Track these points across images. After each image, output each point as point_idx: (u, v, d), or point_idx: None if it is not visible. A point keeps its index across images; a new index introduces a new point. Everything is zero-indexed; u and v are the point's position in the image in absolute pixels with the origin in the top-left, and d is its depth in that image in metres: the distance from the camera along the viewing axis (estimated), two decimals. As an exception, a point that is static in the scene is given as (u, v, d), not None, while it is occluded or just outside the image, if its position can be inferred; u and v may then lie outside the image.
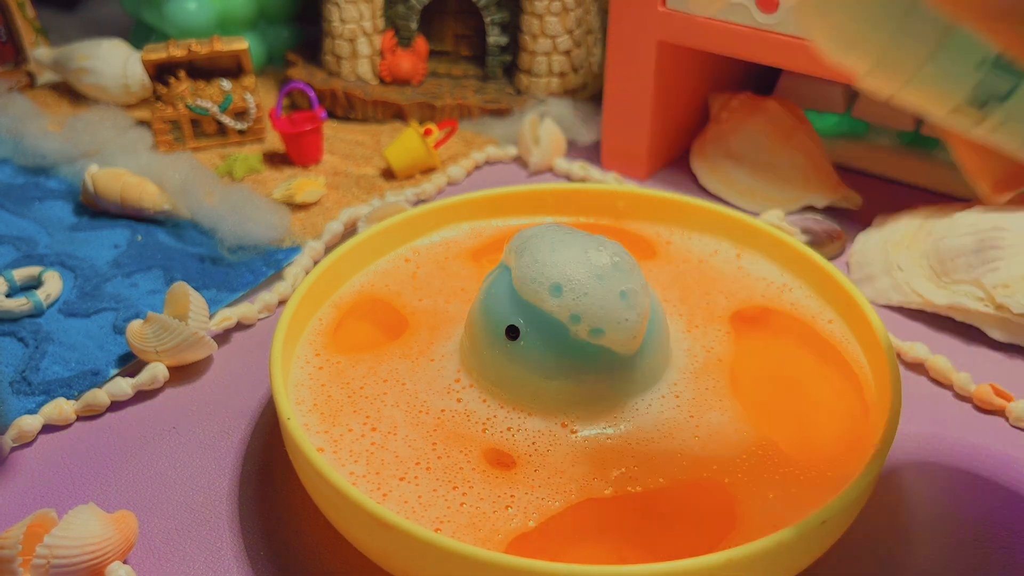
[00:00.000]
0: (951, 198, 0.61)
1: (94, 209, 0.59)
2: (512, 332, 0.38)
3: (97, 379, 0.46)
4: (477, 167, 0.66)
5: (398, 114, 0.71)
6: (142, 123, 0.68)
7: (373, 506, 0.32)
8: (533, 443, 0.37)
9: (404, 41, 0.72)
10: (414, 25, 0.72)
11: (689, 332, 0.43)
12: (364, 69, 0.72)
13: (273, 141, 0.68)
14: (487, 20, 0.71)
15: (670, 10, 0.57)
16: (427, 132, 0.63)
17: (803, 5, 0.27)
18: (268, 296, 0.51)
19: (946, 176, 0.62)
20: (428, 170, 0.64)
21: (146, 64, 0.65)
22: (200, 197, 0.58)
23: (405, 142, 0.63)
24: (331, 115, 0.72)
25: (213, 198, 0.58)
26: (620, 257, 0.38)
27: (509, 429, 0.38)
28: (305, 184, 0.60)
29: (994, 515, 0.39)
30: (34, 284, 0.52)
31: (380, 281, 0.47)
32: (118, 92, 0.71)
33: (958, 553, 0.37)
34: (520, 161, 0.66)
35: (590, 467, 0.36)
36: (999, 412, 0.45)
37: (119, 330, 0.49)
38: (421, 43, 0.72)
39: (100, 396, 0.44)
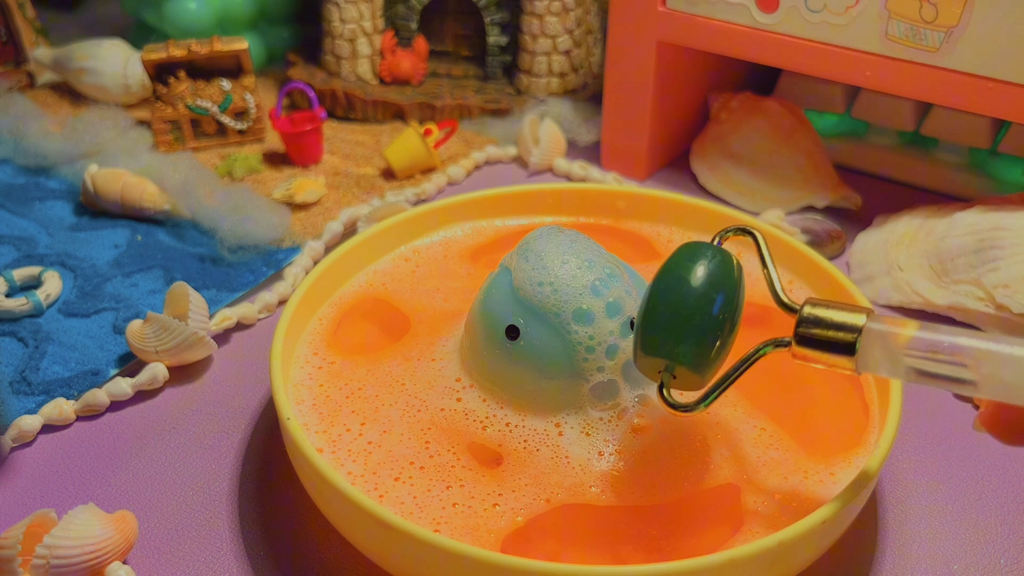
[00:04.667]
0: (951, 198, 0.61)
1: (94, 209, 0.59)
2: (512, 332, 0.38)
3: (97, 379, 0.46)
4: (477, 167, 0.66)
5: (398, 114, 0.71)
6: (142, 123, 0.68)
7: (375, 507, 0.32)
8: (525, 441, 0.37)
9: (404, 41, 0.72)
10: (414, 25, 0.72)
11: (689, 332, 0.43)
12: (364, 69, 0.72)
13: (273, 141, 0.68)
14: (487, 20, 0.71)
15: (670, 10, 0.57)
16: (427, 132, 0.63)
17: None
18: (268, 296, 0.51)
19: (946, 176, 0.62)
20: (428, 170, 0.64)
21: (146, 64, 0.65)
22: (200, 197, 0.58)
23: (405, 142, 0.63)
24: (331, 115, 0.72)
25: (213, 198, 0.58)
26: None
27: (508, 426, 0.38)
28: (305, 184, 0.60)
29: (994, 514, 0.39)
30: (34, 284, 0.52)
31: (380, 281, 0.47)
32: (118, 92, 0.71)
33: (959, 553, 0.37)
34: (520, 161, 0.66)
35: (588, 466, 0.36)
36: (999, 412, 0.45)
37: (119, 330, 0.49)
38: (421, 43, 0.72)
39: (100, 396, 0.44)
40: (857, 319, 0.29)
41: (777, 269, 0.48)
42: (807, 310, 0.30)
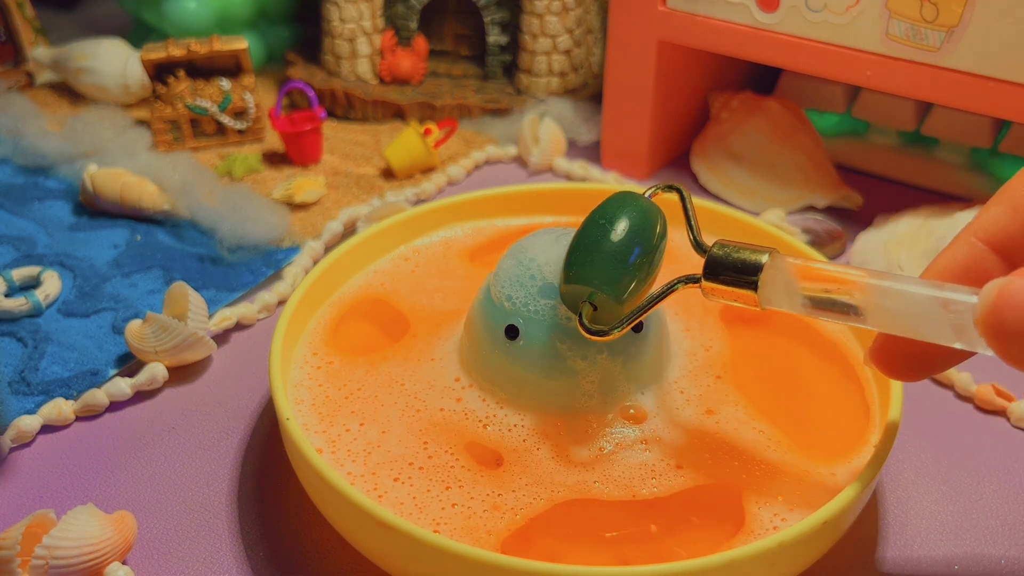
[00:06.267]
0: (952, 198, 0.60)
1: (93, 209, 0.59)
2: (511, 332, 0.38)
3: (96, 379, 0.46)
4: (477, 167, 0.66)
5: (398, 114, 0.71)
6: (141, 123, 0.68)
7: (375, 508, 0.32)
8: (524, 440, 0.37)
9: (404, 41, 0.72)
10: (414, 25, 0.72)
11: (688, 331, 0.43)
12: (364, 69, 0.72)
13: (272, 141, 0.68)
14: (487, 19, 0.71)
15: (670, 10, 0.57)
16: (427, 132, 0.63)
17: None
18: (267, 296, 0.51)
19: (947, 176, 0.62)
20: (428, 170, 0.64)
21: (145, 63, 0.65)
22: (199, 197, 0.58)
23: (405, 142, 0.63)
24: (331, 115, 0.72)
25: (212, 198, 0.57)
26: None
27: (509, 428, 0.38)
28: (305, 184, 0.60)
29: (994, 514, 0.39)
30: (33, 284, 0.52)
31: (380, 281, 0.47)
32: (117, 92, 0.71)
33: (959, 553, 0.37)
34: (520, 161, 0.66)
35: (588, 465, 0.36)
36: (1000, 412, 0.45)
37: (118, 330, 0.49)
38: (421, 43, 0.72)
39: (99, 396, 0.44)
40: (760, 257, 0.32)
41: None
42: (716, 249, 0.33)
